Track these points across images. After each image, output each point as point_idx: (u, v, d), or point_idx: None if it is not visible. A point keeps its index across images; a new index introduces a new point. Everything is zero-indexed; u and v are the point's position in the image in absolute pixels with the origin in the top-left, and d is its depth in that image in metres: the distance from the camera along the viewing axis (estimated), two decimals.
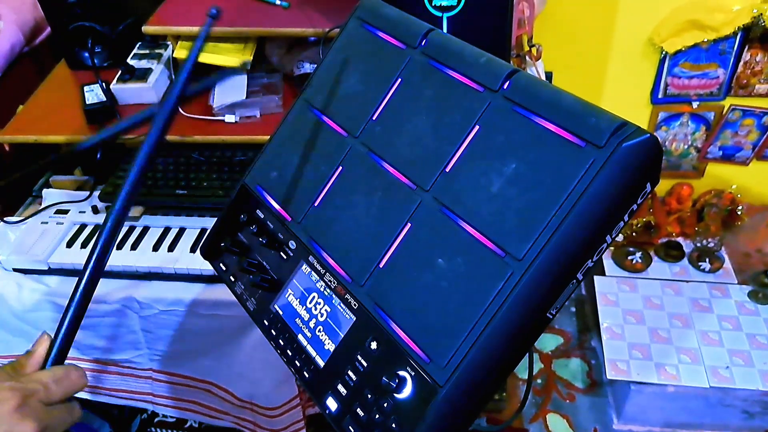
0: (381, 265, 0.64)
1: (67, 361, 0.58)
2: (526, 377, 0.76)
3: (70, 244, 1.19)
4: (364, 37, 0.74)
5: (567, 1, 1.59)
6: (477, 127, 0.61)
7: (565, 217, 0.53)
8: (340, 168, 0.71)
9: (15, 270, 1.19)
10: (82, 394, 1.36)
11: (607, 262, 1.89)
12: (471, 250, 0.58)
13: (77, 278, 0.60)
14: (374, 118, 0.70)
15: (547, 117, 0.56)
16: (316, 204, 0.71)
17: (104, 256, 0.59)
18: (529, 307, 0.55)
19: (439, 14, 1.02)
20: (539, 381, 1.89)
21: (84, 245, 1.19)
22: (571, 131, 0.54)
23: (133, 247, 1.18)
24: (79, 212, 1.25)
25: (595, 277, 1.86)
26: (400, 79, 0.69)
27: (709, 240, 1.86)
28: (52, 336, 0.58)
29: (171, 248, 1.17)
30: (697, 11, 1.54)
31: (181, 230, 1.21)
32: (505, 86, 0.60)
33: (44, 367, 0.56)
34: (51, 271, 1.18)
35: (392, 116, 0.68)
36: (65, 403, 0.56)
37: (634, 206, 0.55)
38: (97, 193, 1.25)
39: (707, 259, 1.85)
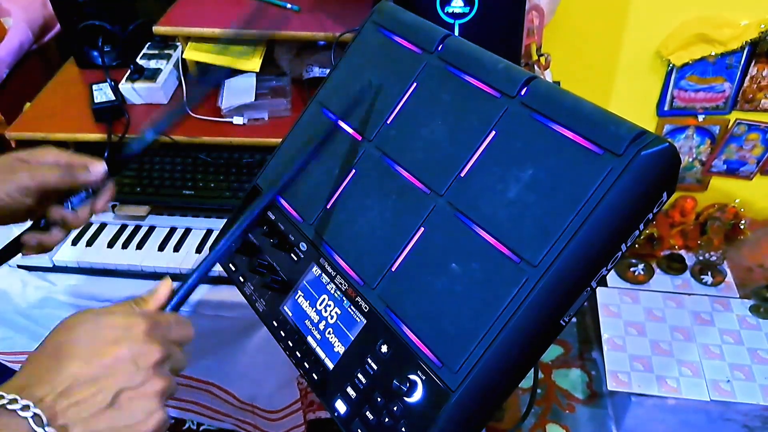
0: (393, 269, 0.63)
1: None
2: (527, 386, 0.76)
3: (75, 242, 1.19)
4: (379, 41, 0.74)
5: (575, 11, 1.60)
6: (493, 132, 0.61)
7: (582, 224, 0.53)
8: (354, 171, 0.70)
9: (19, 267, 1.19)
10: None
11: (610, 274, 1.88)
12: (485, 255, 0.57)
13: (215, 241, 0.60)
14: (389, 122, 0.70)
15: (565, 124, 0.56)
16: (328, 206, 0.71)
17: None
18: (543, 313, 0.55)
19: (451, 21, 1.03)
20: (539, 391, 1.89)
21: (89, 243, 1.19)
22: (589, 139, 0.54)
23: (139, 246, 1.18)
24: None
25: (597, 288, 1.85)
26: (415, 84, 0.69)
27: (712, 253, 1.86)
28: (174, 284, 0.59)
29: (176, 248, 1.17)
30: (705, 25, 1.55)
31: (187, 231, 1.21)
32: (523, 92, 0.60)
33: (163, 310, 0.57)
34: (55, 269, 1.18)
35: (407, 120, 0.68)
36: (178, 347, 0.56)
37: (650, 215, 0.56)
38: None
39: (709, 273, 1.85)
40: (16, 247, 0.74)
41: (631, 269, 1.88)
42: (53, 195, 0.71)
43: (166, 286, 0.58)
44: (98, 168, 0.72)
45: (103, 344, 0.49)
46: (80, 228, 0.75)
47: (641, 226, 0.56)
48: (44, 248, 0.75)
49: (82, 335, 0.50)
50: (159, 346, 0.51)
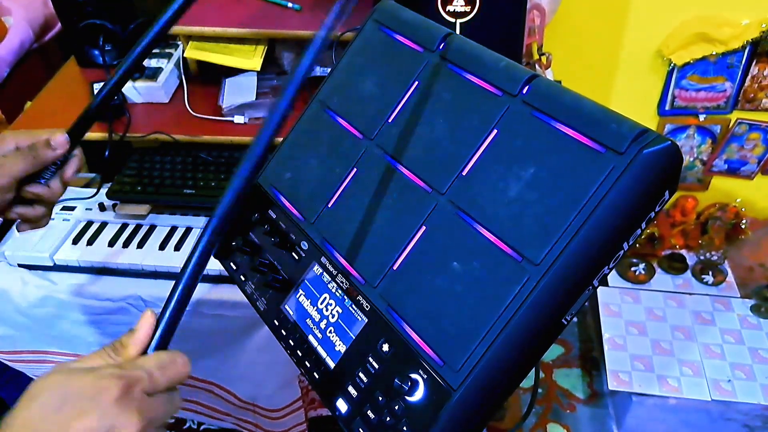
0: (395, 268, 0.63)
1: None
2: (528, 386, 0.76)
3: (75, 241, 1.19)
4: (381, 39, 0.74)
5: (576, 11, 1.59)
6: (495, 131, 0.61)
7: (584, 222, 0.52)
8: (355, 170, 0.70)
9: (20, 265, 1.19)
10: None
11: (611, 273, 1.88)
12: (487, 254, 0.57)
13: (192, 251, 0.53)
14: (390, 121, 0.69)
15: (567, 122, 0.56)
16: (329, 205, 0.71)
17: (221, 229, 0.53)
18: (544, 312, 0.54)
19: (452, 20, 1.03)
20: (540, 390, 1.89)
21: (90, 242, 1.19)
22: (591, 137, 0.54)
23: (140, 245, 1.18)
24: (86, 209, 1.25)
25: (598, 288, 1.85)
26: (417, 82, 0.69)
27: (713, 253, 1.86)
28: (157, 315, 0.52)
29: (177, 247, 1.17)
30: (706, 25, 1.55)
31: (188, 230, 1.21)
32: (524, 91, 0.60)
33: (147, 351, 0.51)
34: (56, 268, 1.18)
35: (408, 119, 0.68)
36: (167, 393, 0.50)
37: (652, 214, 0.55)
38: (104, 191, 1.25)
39: (710, 272, 1.85)
40: (5, 227, 0.75)
41: (632, 269, 1.88)
42: (27, 178, 0.72)
43: (146, 323, 0.51)
44: (60, 140, 0.72)
45: (70, 417, 0.44)
46: (59, 198, 0.76)
47: (643, 225, 0.55)
48: (31, 222, 0.75)
49: (48, 406, 0.44)
50: (134, 415, 0.45)
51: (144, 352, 0.51)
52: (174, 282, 0.53)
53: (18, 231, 0.78)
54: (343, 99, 0.75)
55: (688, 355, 1.67)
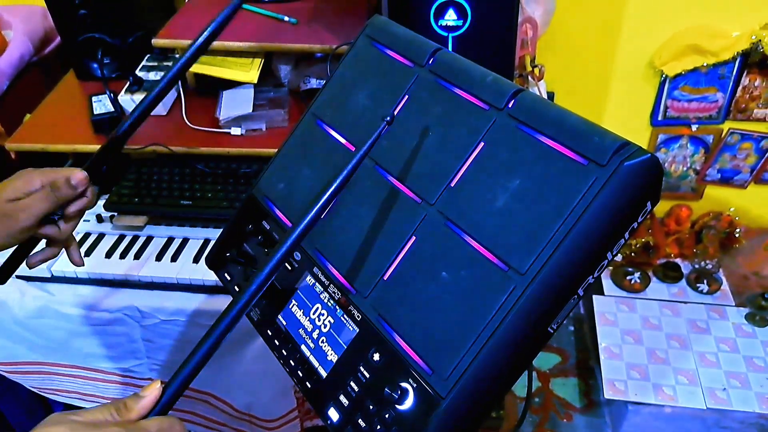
0: (385, 278, 0.65)
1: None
2: (524, 395, 0.77)
3: None
4: (372, 54, 0.76)
5: (569, 23, 1.61)
6: (482, 143, 0.62)
7: (568, 233, 0.54)
8: None
9: (18, 277, 1.20)
10: (77, 401, 1.35)
11: (606, 282, 1.89)
12: (474, 263, 0.59)
13: (206, 334, 0.57)
14: (381, 133, 0.71)
15: (551, 135, 0.57)
16: (322, 216, 0.72)
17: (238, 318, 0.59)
18: (531, 320, 0.56)
19: (444, 34, 1.04)
20: (536, 399, 1.89)
21: (87, 254, 1.20)
22: (574, 150, 0.55)
23: (137, 256, 1.19)
24: (84, 221, 1.26)
25: (594, 297, 1.86)
26: (407, 96, 0.70)
27: (707, 262, 1.87)
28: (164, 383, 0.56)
29: (174, 258, 1.18)
30: (697, 36, 1.56)
31: (185, 241, 1.22)
32: (510, 105, 0.62)
33: (148, 415, 0.53)
34: (54, 279, 1.19)
35: (399, 131, 0.70)
36: None
37: (635, 224, 0.57)
38: (101, 203, 1.26)
39: (705, 281, 1.85)
40: (17, 262, 0.77)
41: (628, 278, 1.88)
42: (46, 218, 0.73)
43: (153, 391, 0.54)
44: (79, 177, 0.73)
45: None
46: (67, 235, 0.77)
47: (626, 235, 0.57)
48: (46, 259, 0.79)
49: None
50: None
51: (145, 416, 0.53)
52: (185, 359, 0.55)
53: (29, 267, 0.79)
54: (336, 112, 0.77)
55: (683, 363, 1.67)
